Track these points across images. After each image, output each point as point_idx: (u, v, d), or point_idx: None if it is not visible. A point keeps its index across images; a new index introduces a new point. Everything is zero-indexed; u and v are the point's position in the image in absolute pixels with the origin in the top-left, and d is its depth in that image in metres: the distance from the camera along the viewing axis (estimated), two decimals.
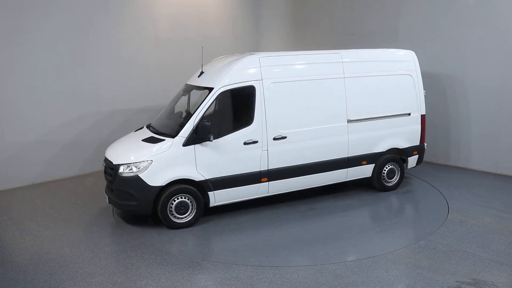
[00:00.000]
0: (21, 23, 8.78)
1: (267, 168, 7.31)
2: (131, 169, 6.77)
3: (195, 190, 6.96)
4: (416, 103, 8.47)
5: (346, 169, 7.98)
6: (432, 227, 6.90)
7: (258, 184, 7.33)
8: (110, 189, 7.23)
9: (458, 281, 5.33)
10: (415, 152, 8.62)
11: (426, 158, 9.11)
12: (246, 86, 7.18)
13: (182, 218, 6.96)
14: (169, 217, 6.89)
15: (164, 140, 6.94)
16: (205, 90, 7.22)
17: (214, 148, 6.96)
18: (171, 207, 6.87)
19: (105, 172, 7.33)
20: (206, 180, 6.98)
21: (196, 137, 6.82)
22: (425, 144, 8.75)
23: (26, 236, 6.80)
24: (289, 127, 7.41)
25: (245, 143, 7.13)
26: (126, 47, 10.30)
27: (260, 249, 6.29)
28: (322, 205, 7.86)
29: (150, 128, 7.61)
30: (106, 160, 7.29)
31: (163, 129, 7.30)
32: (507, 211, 7.44)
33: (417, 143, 8.60)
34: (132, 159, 6.85)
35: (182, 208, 6.93)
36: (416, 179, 9.17)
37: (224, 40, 12.01)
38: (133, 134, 7.89)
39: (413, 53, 8.59)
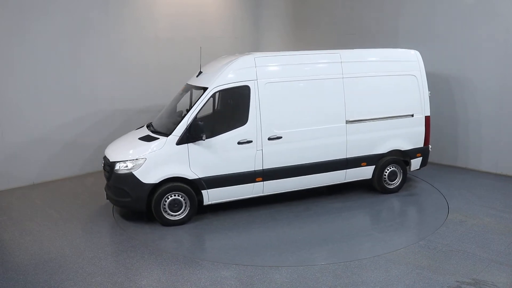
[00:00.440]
0: (21, 23, 8.78)
1: (261, 168, 7.33)
2: (126, 166, 6.91)
3: (189, 188, 7.05)
4: (419, 104, 8.30)
5: (345, 170, 7.91)
6: (432, 227, 6.90)
7: (252, 183, 7.34)
8: (108, 186, 7.36)
9: (458, 281, 5.33)
10: (419, 155, 8.44)
11: None
12: (240, 86, 7.22)
13: (175, 215, 7.07)
14: (162, 214, 7.00)
15: (158, 138, 7.06)
16: (201, 90, 7.27)
17: (208, 147, 7.02)
18: (165, 205, 6.98)
19: (104, 169, 7.45)
20: (200, 178, 7.05)
21: (189, 136, 6.91)
22: (430, 147, 8.57)
23: (26, 236, 6.80)
24: (285, 127, 7.40)
25: (239, 143, 7.16)
26: (126, 47, 10.30)
27: (261, 248, 6.30)
28: (318, 206, 7.82)
29: (150, 127, 7.70)
30: (104, 157, 7.44)
31: (160, 128, 7.41)
32: (507, 211, 7.44)
33: (421, 145, 8.42)
34: (127, 156, 7.00)
35: (175, 206, 7.03)
36: (416, 179, 9.17)
37: (224, 40, 12.01)
38: (132, 132, 8.02)
39: (417, 53, 8.44)
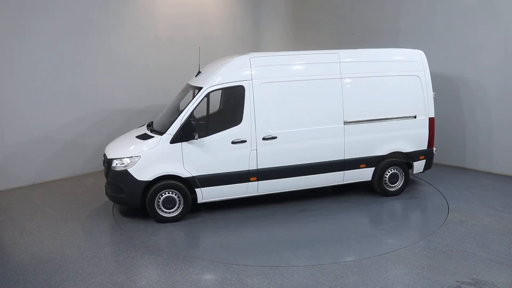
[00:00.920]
0: (21, 23, 8.77)
1: (256, 168, 7.34)
2: (122, 163, 7.06)
3: (182, 186, 7.15)
4: (423, 105, 8.09)
5: (343, 171, 7.83)
6: (432, 227, 6.90)
7: (246, 183, 7.37)
8: (106, 182, 7.51)
9: (458, 281, 5.33)
10: (422, 157, 8.23)
11: None
12: (235, 86, 7.26)
13: (169, 212, 7.17)
14: (156, 211, 7.13)
15: (153, 137, 7.20)
16: (198, 90, 7.35)
17: (202, 146, 7.10)
18: (159, 202, 7.11)
19: (103, 166, 7.60)
20: (193, 177, 7.13)
21: (183, 135, 6.99)
22: (434, 149, 8.35)
23: (26, 236, 6.80)
24: (280, 127, 7.39)
25: (233, 142, 7.20)
26: (126, 47, 10.30)
27: (261, 248, 6.30)
28: (313, 206, 7.78)
29: (149, 126, 7.82)
30: (104, 154, 7.58)
31: (158, 126, 7.52)
32: (507, 211, 7.44)
33: (424, 147, 8.21)
34: (122, 154, 7.16)
35: (169, 203, 7.14)
36: (415, 179, 9.15)
37: (224, 40, 12.01)
38: (133, 130, 8.14)
39: (421, 53, 8.22)
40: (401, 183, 8.24)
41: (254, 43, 12.86)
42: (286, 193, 7.88)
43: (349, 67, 7.76)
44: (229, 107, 8.00)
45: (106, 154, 7.46)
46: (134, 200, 7.12)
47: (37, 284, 5.39)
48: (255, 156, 7.31)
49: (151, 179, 7.01)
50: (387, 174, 8.12)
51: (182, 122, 7.02)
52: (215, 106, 8.79)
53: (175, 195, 7.15)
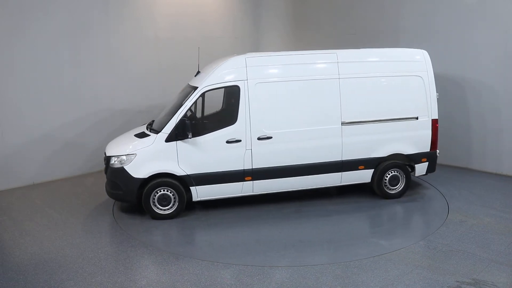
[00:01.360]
0: (21, 23, 8.78)
1: (251, 167, 7.36)
2: (119, 160, 7.22)
3: (177, 184, 7.25)
4: (425, 106, 7.89)
5: (340, 173, 7.74)
6: (432, 227, 6.90)
7: (241, 182, 7.41)
8: (106, 179, 7.70)
9: (458, 281, 5.33)
10: (424, 159, 8.03)
11: None
12: (230, 86, 7.33)
13: (164, 209, 7.31)
14: (151, 208, 7.28)
15: (149, 135, 7.36)
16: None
17: (196, 145, 7.19)
18: (154, 199, 7.24)
19: (104, 163, 7.73)
20: (188, 175, 7.23)
21: (177, 134, 7.11)
22: (438, 151, 8.14)
23: (26, 236, 6.80)
24: (275, 127, 7.39)
25: (227, 142, 7.24)
26: (126, 47, 10.31)
27: (247, 248, 6.32)
28: (310, 208, 7.73)
29: (149, 125, 7.92)
30: (104, 152, 7.77)
31: (156, 125, 7.62)
32: (507, 211, 7.44)
33: (427, 149, 8.02)
34: (120, 151, 7.34)
35: (164, 201, 7.28)
36: (415, 178, 9.14)
37: (224, 40, 12.01)
38: (134, 129, 8.26)
39: (424, 52, 8.03)
40: (402, 186, 8.08)
41: (254, 43, 12.86)
42: (285, 193, 7.88)
43: (348, 67, 7.67)
44: (227, 107, 8.04)
45: (106, 151, 7.64)
46: (130, 196, 7.27)
47: (37, 284, 5.39)
48: (250, 156, 7.34)
49: (146, 177, 7.16)
50: (387, 176, 7.99)
51: (176, 121, 7.12)
52: (217, 105, 8.85)
53: (170, 192, 7.27)
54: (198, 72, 7.92)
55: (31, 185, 9.25)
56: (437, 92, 8.05)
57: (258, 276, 5.53)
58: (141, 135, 7.50)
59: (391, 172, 8.00)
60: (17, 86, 8.91)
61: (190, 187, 7.29)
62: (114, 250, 6.39)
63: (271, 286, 5.29)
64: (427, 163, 8.11)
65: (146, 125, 8.11)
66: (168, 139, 7.14)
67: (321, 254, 6.15)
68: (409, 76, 7.87)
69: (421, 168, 8.14)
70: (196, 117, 8.07)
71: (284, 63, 7.56)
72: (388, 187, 8.05)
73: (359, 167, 7.82)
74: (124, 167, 7.15)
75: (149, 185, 7.19)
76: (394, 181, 8.04)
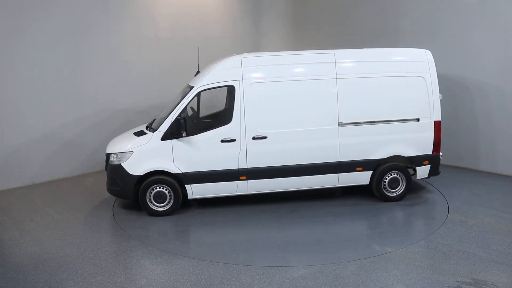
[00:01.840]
0: (21, 23, 8.78)
1: (245, 167, 7.40)
2: (117, 158, 7.43)
3: (173, 182, 7.39)
4: (427, 108, 7.68)
5: (337, 174, 7.65)
6: (432, 227, 6.89)
7: (236, 181, 7.46)
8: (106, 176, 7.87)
9: (458, 281, 5.33)
10: (426, 162, 7.82)
11: None
12: (225, 86, 7.41)
13: (160, 206, 7.46)
14: (148, 204, 7.44)
15: (146, 134, 7.52)
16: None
17: (191, 143, 7.30)
18: (150, 196, 7.40)
19: (105, 161, 7.90)
20: (183, 173, 7.35)
21: (172, 133, 7.25)
22: (441, 154, 7.93)
23: (26, 236, 6.80)
24: (270, 127, 7.39)
25: (222, 141, 7.30)
26: (126, 47, 10.30)
27: (235, 246, 6.35)
28: (305, 208, 7.69)
29: (150, 124, 8.01)
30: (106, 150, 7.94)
31: (154, 124, 7.75)
32: (507, 211, 7.44)
33: (429, 152, 7.80)
34: (118, 149, 7.53)
35: (160, 198, 7.43)
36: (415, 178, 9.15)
37: (224, 40, 12.01)
38: (135, 128, 8.39)
39: (428, 52, 7.84)
40: (402, 189, 7.91)
41: (254, 43, 12.85)
42: (283, 193, 7.87)
43: (346, 67, 7.58)
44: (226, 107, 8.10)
45: (106, 149, 7.82)
46: (127, 193, 7.45)
47: (37, 284, 5.39)
48: (245, 155, 7.38)
49: (142, 174, 7.31)
50: (386, 179, 7.84)
51: (172, 120, 7.23)
52: (221, 105, 8.87)
53: (166, 190, 7.41)
54: (198, 72, 7.97)
55: (31, 185, 9.25)
56: (440, 94, 7.85)
57: (258, 276, 5.53)
58: (139, 134, 7.66)
59: (391, 175, 7.86)
60: (17, 86, 8.91)
61: (185, 185, 7.40)
62: (114, 250, 6.39)
63: (271, 286, 5.30)
64: (429, 166, 7.92)
65: (145, 124, 8.20)
66: (164, 138, 7.27)
67: (310, 255, 6.12)
68: (410, 77, 7.68)
69: (423, 171, 7.94)
70: (193, 116, 8.10)
71: (280, 63, 7.54)
72: (387, 190, 7.90)
73: (357, 169, 7.71)
74: (122, 164, 7.32)
75: (145, 182, 7.34)
76: (394, 183, 7.88)
